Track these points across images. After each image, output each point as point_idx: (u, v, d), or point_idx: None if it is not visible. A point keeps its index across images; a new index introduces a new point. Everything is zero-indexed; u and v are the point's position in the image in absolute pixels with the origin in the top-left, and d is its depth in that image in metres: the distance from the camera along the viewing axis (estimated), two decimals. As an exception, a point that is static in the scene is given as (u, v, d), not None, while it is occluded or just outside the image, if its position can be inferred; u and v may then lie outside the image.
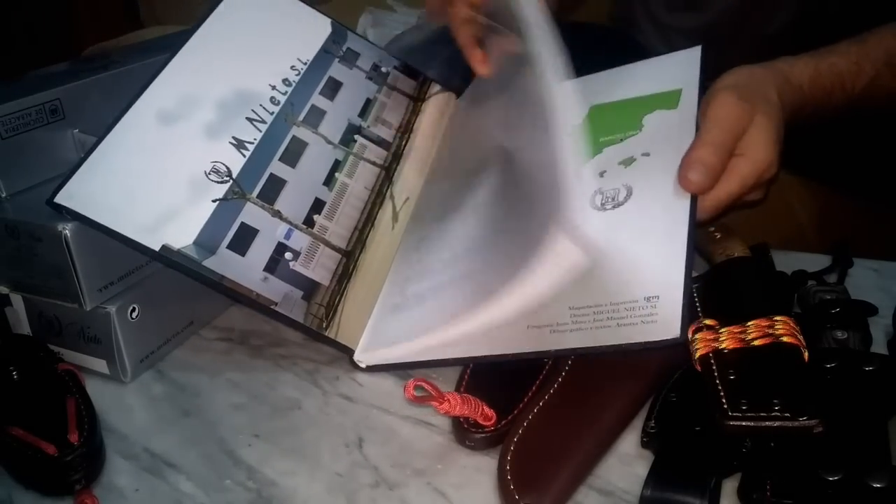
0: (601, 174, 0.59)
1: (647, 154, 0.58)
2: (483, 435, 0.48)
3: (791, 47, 0.62)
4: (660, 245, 0.51)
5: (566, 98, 0.70)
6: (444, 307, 0.56)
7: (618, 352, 0.47)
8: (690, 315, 0.47)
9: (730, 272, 0.56)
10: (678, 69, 0.62)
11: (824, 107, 0.61)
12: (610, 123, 0.63)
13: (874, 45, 0.62)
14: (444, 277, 0.59)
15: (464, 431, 0.49)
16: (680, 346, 0.50)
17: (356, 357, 0.57)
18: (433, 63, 0.80)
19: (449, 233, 0.63)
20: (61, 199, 0.52)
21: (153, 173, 0.56)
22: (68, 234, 0.52)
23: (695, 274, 0.56)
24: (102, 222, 0.52)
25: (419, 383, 0.46)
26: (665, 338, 0.46)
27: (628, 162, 0.58)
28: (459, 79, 0.80)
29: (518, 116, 0.64)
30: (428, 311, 0.58)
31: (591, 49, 0.89)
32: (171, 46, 0.70)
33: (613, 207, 0.55)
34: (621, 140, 0.60)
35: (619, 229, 0.53)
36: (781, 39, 0.61)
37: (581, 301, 0.50)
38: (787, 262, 0.61)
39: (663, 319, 0.47)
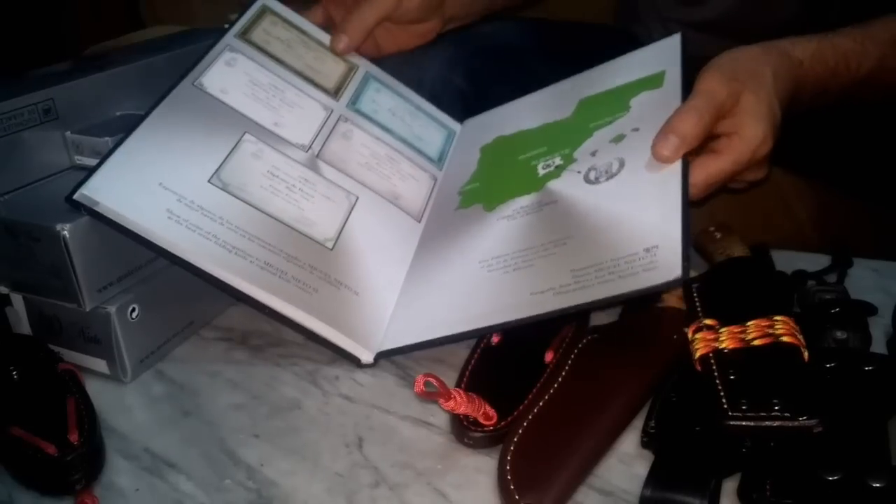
0: (593, 153, 0.60)
1: (636, 129, 0.59)
2: (482, 434, 0.48)
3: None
4: (655, 203, 0.52)
5: (555, 97, 0.71)
6: (447, 286, 0.58)
7: (622, 301, 0.48)
8: (689, 261, 0.47)
9: (730, 272, 0.57)
10: (660, 55, 0.63)
11: (829, 85, 0.61)
12: (599, 111, 0.65)
13: (880, 28, 0.62)
14: (451, 261, 0.60)
15: (463, 429, 0.49)
16: (680, 346, 0.50)
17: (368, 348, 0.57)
18: (433, 64, 0.80)
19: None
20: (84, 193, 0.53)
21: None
22: (66, 235, 0.52)
23: (694, 274, 0.56)
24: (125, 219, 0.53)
25: (429, 378, 0.46)
26: (667, 279, 0.47)
27: (619, 139, 0.60)
28: (460, 79, 0.80)
29: None
30: (431, 291, 0.58)
31: (595, 49, 0.90)
32: (167, 47, 0.71)
33: (608, 179, 0.57)
34: (610, 122, 0.62)
35: (615, 196, 0.55)
36: (787, 31, 0.61)
37: (582, 263, 0.51)
38: (787, 262, 0.61)
39: (664, 264, 0.47)
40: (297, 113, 0.66)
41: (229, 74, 0.65)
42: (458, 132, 0.77)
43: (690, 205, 0.53)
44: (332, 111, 0.68)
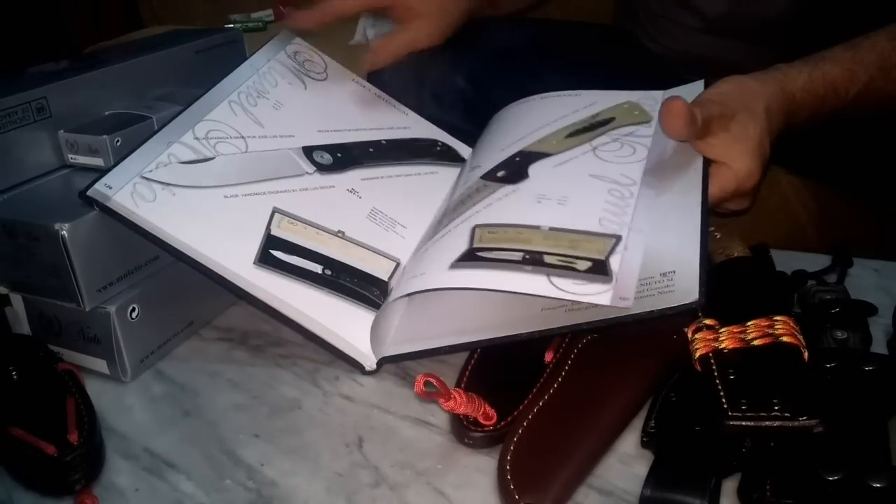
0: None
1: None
2: (482, 434, 0.48)
3: (791, 35, 0.62)
4: (674, 231, 0.52)
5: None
6: (455, 295, 0.57)
7: (636, 321, 0.47)
8: (706, 286, 0.47)
9: (730, 272, 0.57)
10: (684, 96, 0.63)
11: (818, 112, 0.62)
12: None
13: (868, 49, 0.62)
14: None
15: (463, 429, 0.49)
16: (680, 346, 0.50)
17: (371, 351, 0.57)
18: (435, 65, 0.80)
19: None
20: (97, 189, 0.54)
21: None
22: (65, 234, 0.52)
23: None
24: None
25: (429, 378, 0.46)
26: (684, 302, 0.46)
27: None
28: (462, 80, 0.80)
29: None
30: (438, 299, 0.58)
31: (595, 49, 0.90)
32: (159, 46, 0.71)
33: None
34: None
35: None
36: (781, 28, 0.61)
37: None
38: (787, 261, 0.61)
39: (681, 288, 0.47)
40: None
41: None
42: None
43: None
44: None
